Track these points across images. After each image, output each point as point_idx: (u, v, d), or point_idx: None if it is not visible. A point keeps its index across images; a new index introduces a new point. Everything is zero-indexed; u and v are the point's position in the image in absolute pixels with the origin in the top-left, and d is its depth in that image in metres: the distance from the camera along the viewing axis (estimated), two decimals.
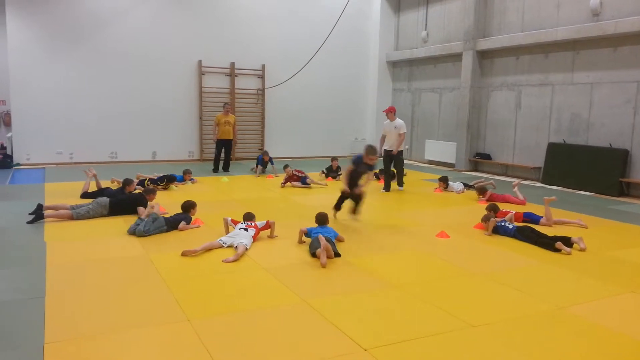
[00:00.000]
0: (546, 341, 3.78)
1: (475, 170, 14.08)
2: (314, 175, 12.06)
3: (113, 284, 4.75)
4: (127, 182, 8.33)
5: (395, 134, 10.07)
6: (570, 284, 5.08)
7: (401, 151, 10.29)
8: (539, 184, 11.83)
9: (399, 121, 10.20)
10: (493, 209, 7.41)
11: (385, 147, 10.26)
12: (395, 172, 10.48)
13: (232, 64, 15.17)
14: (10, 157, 13.02)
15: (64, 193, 8.96)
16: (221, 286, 4.80)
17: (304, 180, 10.80)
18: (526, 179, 12.42)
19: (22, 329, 3.76)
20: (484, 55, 13.71)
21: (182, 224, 6.77)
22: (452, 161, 14.46)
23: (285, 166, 11.02)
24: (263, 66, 15.60)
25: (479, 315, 4.18)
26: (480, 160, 13.89)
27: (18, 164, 12.93)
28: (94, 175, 9.02)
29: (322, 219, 6.40)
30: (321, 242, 5.49)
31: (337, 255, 5.68)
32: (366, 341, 3.63)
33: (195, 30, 14.68)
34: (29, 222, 6.90)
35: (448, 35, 14.85)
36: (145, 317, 4.01)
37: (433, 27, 15.42)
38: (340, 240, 6.27)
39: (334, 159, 12.27)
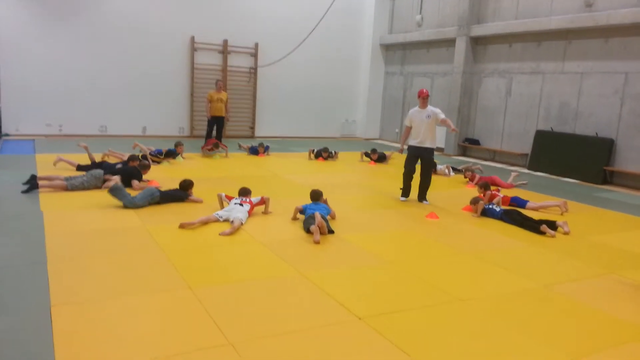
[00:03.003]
0: (532, 315, 3.99)
1: (464, 155, 14.30)
2: (305, 155, 12.20)
3: (113, 253, 4.85)
4: (132, 158, 8.39)
5: (429, 124, 7.59)
6: (555, 265, 5.30)
7: (433, 150, 7.79)
8: (526, 170, 12.08)
9: (432, 108, 7.70)
10: (485, 187, 7.68)
11: (413, 143, 7.79)
12: (420, 178, 7.83)
13: (225, 41, 15.07)
14: None
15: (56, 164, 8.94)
16: (219, 257, 4.92)
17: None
18: (513, 165, 12.67)
19: (27, 292, 3.86)
20: (477, 42, 13.83)
21: (191, 198, 7.03)
22: (442, 145, 14.63)
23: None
24: (256, 44, 15.53)
25: (467, 291, 4.37)
26: (469, 145, 14.10)
27: (7, 135, 12.81)
28: (85, 148, 9.04)
29: (316, 196, 6.53)
30: (316, 219, 5.63)
31: (331, 232, 5.83)
32: (361, 311, 3.79)
33: (189, 5, 14.53)
34: (23, 192, 6.93)
35: (442, 20, 14.91)
36: (148, 284, 4.13)
37: (428, 11, 15.45)
38: (333, 217, 6.42)
39: (324, 151, 11.96)
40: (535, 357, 3.33)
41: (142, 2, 13.96)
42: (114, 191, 6.34)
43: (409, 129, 7.89)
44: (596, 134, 11.00)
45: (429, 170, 7.84)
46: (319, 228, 5.63)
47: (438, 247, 5.68)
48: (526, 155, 12.53)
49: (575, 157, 11.14)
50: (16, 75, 12.77)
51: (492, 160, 13.44)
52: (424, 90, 7.78)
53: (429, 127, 7.65)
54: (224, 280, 4.29)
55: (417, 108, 7.82)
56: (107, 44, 13.66)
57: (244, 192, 6.64)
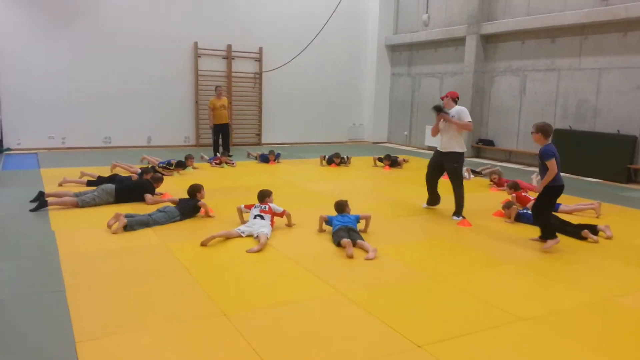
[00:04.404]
0: (601, 333, 3.64)
1: (478, 156, 13.96)
2: (316, 161, 11.86)
3: (135, 276, 4.47)
4: (145, 171, 8.09)
5: (450, 126, 6.89)
6: (607, 274, 4.94)
7: (454, 156, 6.93)
8: None
9: (458, 109, 6.96)
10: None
11: (438, 146, 7.22)
12: (453, 190, 6.98)
13: (229, 46, 14.74)
14: (0, 141, 12.51)
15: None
16: (250, 277, 4.55)
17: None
18: (530, 165, 12.33)
19: (48, 326, 3.48)
20: (488, 40, 13.50)
21: (204, 208, 6.58)
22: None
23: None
24: (260, 49, 15.19)
25: (525, 308, 4.00)
26: (482, 146, 13.77)
27: (9, 149, 12.44)
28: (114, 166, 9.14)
29: (340, 207, 6.14)
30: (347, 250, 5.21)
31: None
32: (418, 337, 3.43)
33: (191, 10, 14.19)
34: (32, 210, 6.55)
35: (450, 18, 14.59)
36: (179, 311, 3.76)
37: (435, 10, 15.13)
38: (367, 222, 6.04)
39: (336, 156, 11.58)
40: None
41: (144, 8, 13.62)
42: (130, 229, 5.86)
43: (436, 130, 7.15)
44: (618, 131, 10.66)
45: (454, 181, 6.95)
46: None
47: (479, 258, 5.31)
48: None
49: (597, 156, 10.80)
50: (16, 86, 12.41)
51: (508, 161, 13.10)
52: (449, 92, 7.20)
53: (451, 130, 6.90)
54: (260, 304, 3.92)
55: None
56: (108, 53, 13.30)
57: (264, 195, 6.23)
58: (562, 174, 5.61)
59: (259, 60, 15.24)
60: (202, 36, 14.32)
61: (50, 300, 3.91)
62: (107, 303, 3.88)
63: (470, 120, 6.97)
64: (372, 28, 16.88)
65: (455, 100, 7.12)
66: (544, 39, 12.15)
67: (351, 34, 16.63)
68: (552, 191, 5.52)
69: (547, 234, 5.63)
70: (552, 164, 5.37)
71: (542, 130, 5.49)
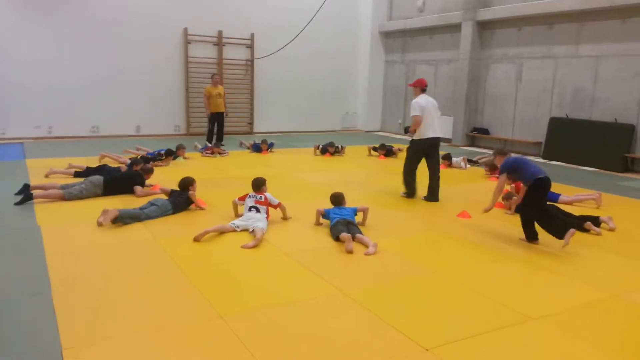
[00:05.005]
0: (612, 332, 3.50)
1: (473, 145, 13.81)
2: (309, 150, 11.64)
3: (126, 276, 4.25)
4: (135, 162, 7.83)
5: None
6: (614, 268, 4.81)
7: (412, 141, 7.31)
8: (540, 159, 11.63)
9: (413, 100, 7.23)
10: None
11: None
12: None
13: (220, 33, 14.38)
14: None
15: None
16: (246, 275, 4.35)
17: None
18: (526, 154, 12.18)
19: (32, 332, 3.27)
20: (484, 26, 13.28)
21: (195, 200, 6.37)
22: (449, 136, 14.11)
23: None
24: (252, 35, 14.85)
25: (534, 306, 3.85)
26: (477, 135, 13.61)
27: None
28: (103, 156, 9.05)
29: (337, 200, 5.95)
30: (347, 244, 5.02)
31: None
32: (425, 339, 3.26)
33: None
34: (17, 204, 6.29)
35: (445, 4, 14.32)
36: (173, 314, 3.56)
37: None
38: (365, 214, 5.86)
39: (330, 145, 11.37)
40: None
41: None
42: (120, 221, 5.62)
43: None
44: (615, 119, 10.55)
45: (425, 165, 7.41)
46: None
47: (481, 252, 5.16)
48: (539, 143, 12.07)
49: (594, 145, 10.69)
50: (1, 74, 12.00)
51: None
52: (419, 79, 7.43)
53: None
54: (258, 305, 3.73)
55: None
56: (95, 39, 12.90)
57: (260, 184, 5.95)
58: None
59: (251, 47, 14.91)
60: (192, 22, 13.94)
61: (35, 303, 3.70)
62: (96, 306, 3.67)
63: (414, 114, 7.07)
64: (365, 14, 16.57)
65: (423, 89, 7.20)
66: (541, 26, 11.96)
67: (344, 21, 16.30)
68: (530, 189, 5.33)
69: (526, 234, 5.43)
70: (500, 179, 5.67)
71: (497, 153, 6.02)
